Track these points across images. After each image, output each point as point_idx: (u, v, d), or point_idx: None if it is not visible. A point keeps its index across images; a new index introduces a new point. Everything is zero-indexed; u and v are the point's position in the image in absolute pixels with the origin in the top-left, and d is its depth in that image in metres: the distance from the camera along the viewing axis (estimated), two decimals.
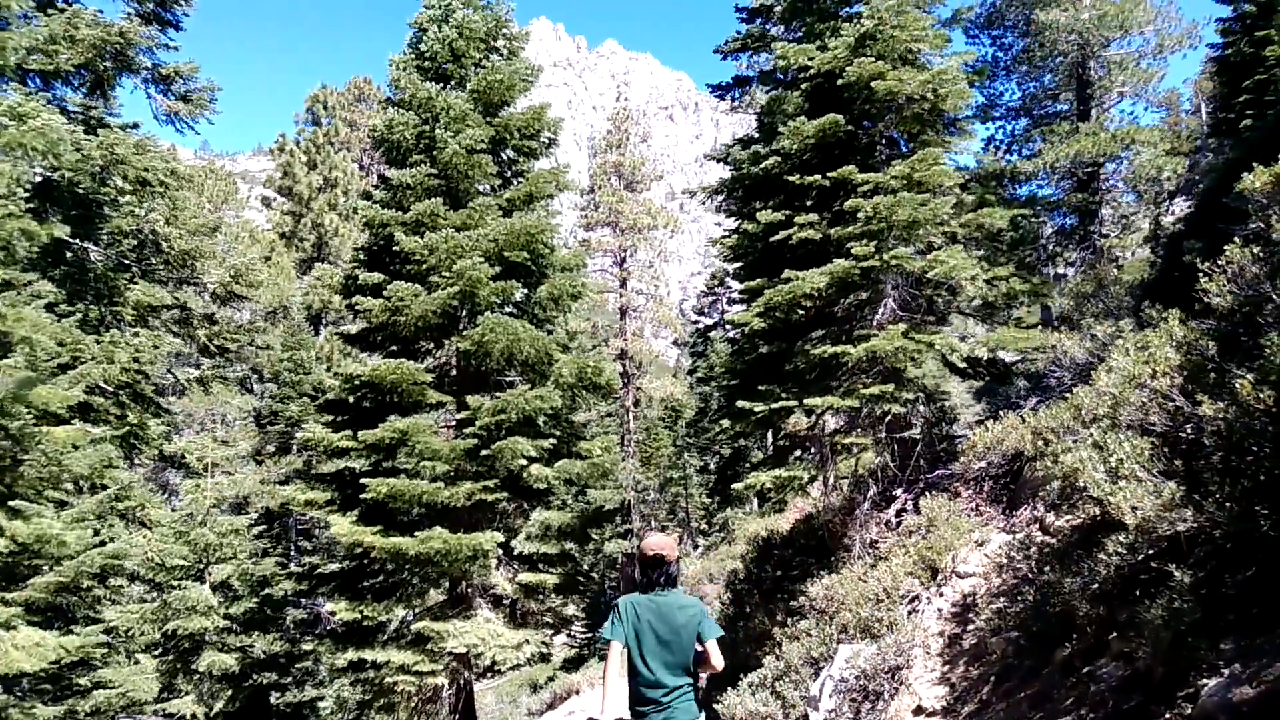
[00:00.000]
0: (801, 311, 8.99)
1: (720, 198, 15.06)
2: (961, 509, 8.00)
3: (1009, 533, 7.57)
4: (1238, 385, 4.12)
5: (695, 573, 30.80)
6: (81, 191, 16.18)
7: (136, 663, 14.27)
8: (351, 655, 11.59)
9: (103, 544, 14.59)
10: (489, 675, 26.53)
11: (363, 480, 11.51)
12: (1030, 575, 5.62)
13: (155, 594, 14.79)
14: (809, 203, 9.47)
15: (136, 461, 19.69)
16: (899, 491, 9.28)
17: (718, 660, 4.51)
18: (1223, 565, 4.15)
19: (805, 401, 8.51)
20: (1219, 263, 4.73)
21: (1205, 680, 3.70)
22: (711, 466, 36.76)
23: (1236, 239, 4.75)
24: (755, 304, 9.06)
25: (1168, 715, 3.82)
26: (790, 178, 9.25)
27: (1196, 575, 4.13)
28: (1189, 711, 3.67)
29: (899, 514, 9.01)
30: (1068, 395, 7.49)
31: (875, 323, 9.22)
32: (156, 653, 14.63)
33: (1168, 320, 5.25)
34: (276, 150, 37.29)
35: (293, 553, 28.58)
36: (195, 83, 18.52)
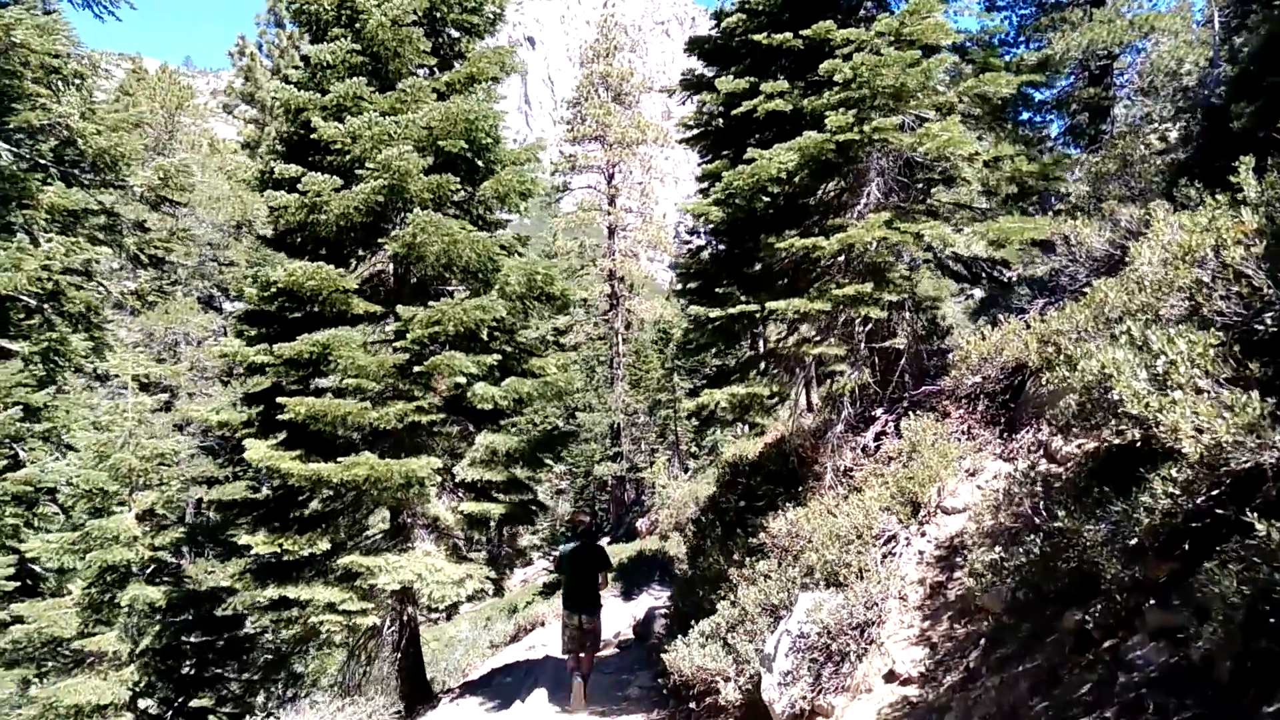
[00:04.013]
0: (767, 199, 7.50)
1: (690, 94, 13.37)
2: (950, 432, 6.69)
3: (1007, 460, 6.28)
4: None
5: (682, 496, 29.80)
6: None
7: (54, 596, 13.19)
8: (272, 592, 10.45)
9: (12, 468, 13.39)
10: (469, 600, 25.78)
11: (279, 400, 10.20)
12: (1037, 517, 4.31)
13: (88, 520, 13.60)
14: (780, 68, 7.93)
15: (91, 384, 18.31)
16: (879, 412, 7.96)
17: (604, 581, 9.54)
18: None
19: (768, 305, 7.11)
20: None
21: None
22: (698, 389, 35.53)
23: None
24: (714, 190, 7.59)
25: None
26: (757, 37, 7.65)
27: None
28: None
29: (878, 437, 7.71)
30: (1083, 294, 6.12)
31: (856, 215, 7.77)
32: (83, 585, 13.53)
33: (1237, 181, 3.82)
34: (236, 54, 34.87)
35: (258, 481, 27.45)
36: None
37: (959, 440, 6.58)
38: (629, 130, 36.06)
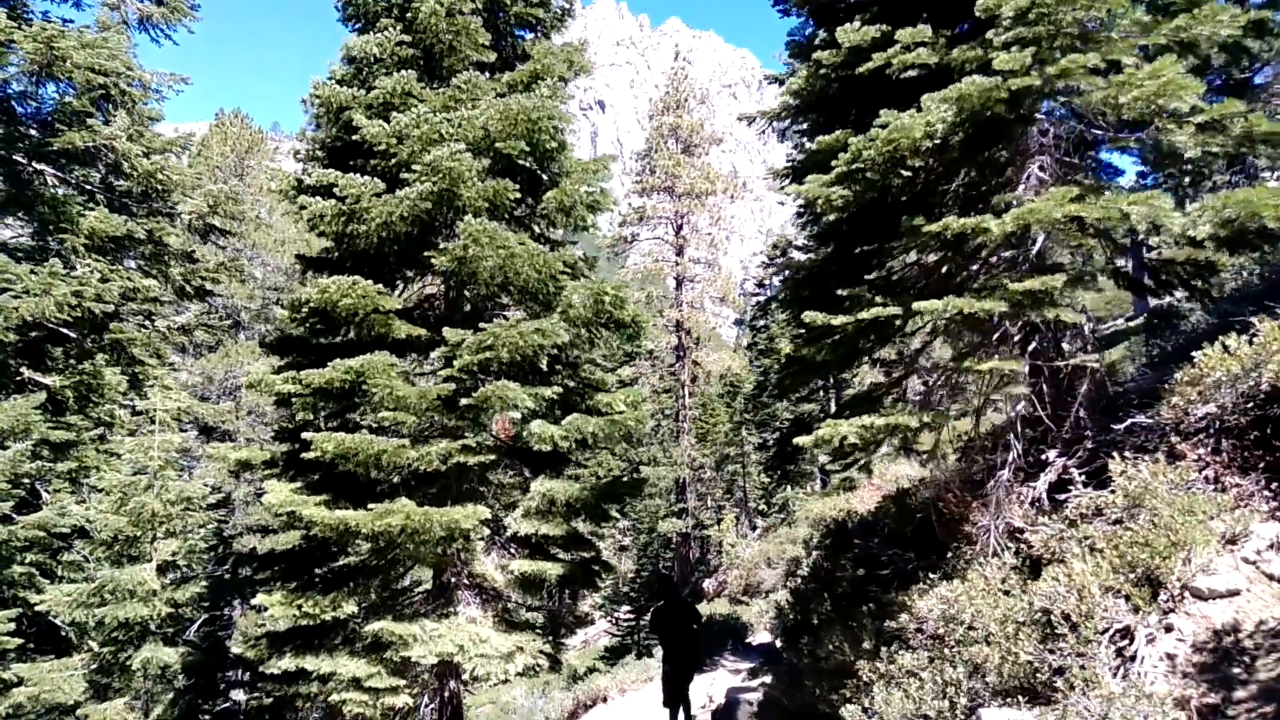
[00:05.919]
0: (907, 173, 5.77)
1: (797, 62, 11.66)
2: (1188, 481, 4.77)
3: None
4: None
5: (753, 555, 27.75)
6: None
7: (59, 656, 11.78)
8: (288, 663, 8.83)
9: (23, 511, 12.14)
10: (520, 675, 23.80)
11: (304, 436, 8.71)
12: None
13: (101, 572, 12.24)
14: (916, 19, 6.26)
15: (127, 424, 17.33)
16: (1052, 454, 6.03)
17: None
18: None
19: (915, 306, 5.32)
20: None
21: None
22: (770, 443, 33.75)
23: None
24: (835, 164, 5.88)
25: None
26: None
27: None
28: None
29: (1057, 488, 5.78)
30: None
31: (1016, 199, 5.97)
32: (98, 642, 12.13)
33: None
34: (309, 100, 34.72)
35: None
36: None
37: (1201, 491, 4.66)
38: (698, 181, 35.25)
